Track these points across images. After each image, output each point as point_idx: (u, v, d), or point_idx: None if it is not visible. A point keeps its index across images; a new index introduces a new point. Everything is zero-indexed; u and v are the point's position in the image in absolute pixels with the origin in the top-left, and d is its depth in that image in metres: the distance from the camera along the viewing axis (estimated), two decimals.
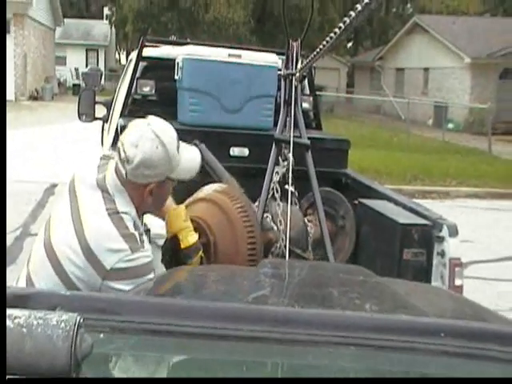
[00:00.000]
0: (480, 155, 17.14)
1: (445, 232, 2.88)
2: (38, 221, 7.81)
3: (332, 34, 2.11)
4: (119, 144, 2.09)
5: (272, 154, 3.12)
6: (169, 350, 1.14)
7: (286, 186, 3.20)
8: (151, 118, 2.14)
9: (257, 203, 3.25)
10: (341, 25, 1.83)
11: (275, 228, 3.01)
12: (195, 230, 2.49)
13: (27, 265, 2.18)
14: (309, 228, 3.37)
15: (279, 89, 4.16)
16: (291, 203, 3.26)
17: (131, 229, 2.05)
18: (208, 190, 2.83)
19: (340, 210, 3.57)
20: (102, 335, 1.05)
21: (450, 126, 23.82)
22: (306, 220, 3.44)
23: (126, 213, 2.06)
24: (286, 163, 3.16)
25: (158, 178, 2.11)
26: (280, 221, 3.04)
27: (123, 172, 2.07)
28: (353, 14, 1.73)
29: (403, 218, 3.03)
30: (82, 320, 0.81)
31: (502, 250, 8.01)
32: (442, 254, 2.87)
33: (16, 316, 0.80)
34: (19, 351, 0.78)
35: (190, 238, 2.35)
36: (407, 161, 14.42)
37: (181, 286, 1.81)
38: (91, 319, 1.03)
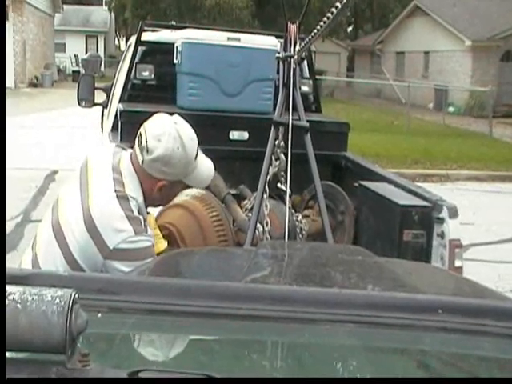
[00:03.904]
0: (481, 138, 17.12)
1: (445, 213, 2.88)
2: (38, 207, 7.82)
3: (329, 14, 2.10)
4: (142, 130, 2.12)
5: (270, 137, 3.11)
6: (166, 329, 1.14)
7: (279, 185, 3.19)
8: (178, 118, 2.17)
9: (252, 199, 3.24)
10: (337, 4, 1.82)
11: (260, 229, 2.98)
12: (166, 237, 2.51)
13: (32, 248, 2.20)
14: (302, 225, 3.36)
15: (279, 72, 4.16)
16: (282, 202, 3.26)
17: (136, 213, 2.08)
18: (186, 195, 2.83)
19: (340, 205, 3.56)
20: (99, 315, 1.06)
21: (451, 109, 23.76)
22: (299, 217, 3.43)
23: (133, 197, 2.10)
24: (278, 163, 3.14)
25: (172, 177, 2.15)
26: (267, 222, 3.02)
27: (140, 159, 2.11)
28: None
29: (403, 199, 3.03)
30: (77, 295, 0.81)
31: (502, 232, 8.02)
32: (442, 235, 2.87)
33: (10, 292, 0.80)
34: (14, 327, 0.77)
35: (160, 245, 2.33)
36: (408, 144, 14.40)
37: (179, 267, 1.82)
38: (89, 299, 1.03)
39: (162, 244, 2.33)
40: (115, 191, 2.08)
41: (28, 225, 7.05)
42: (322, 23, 2.28)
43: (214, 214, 2.77)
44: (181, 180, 2.20)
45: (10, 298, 0.79)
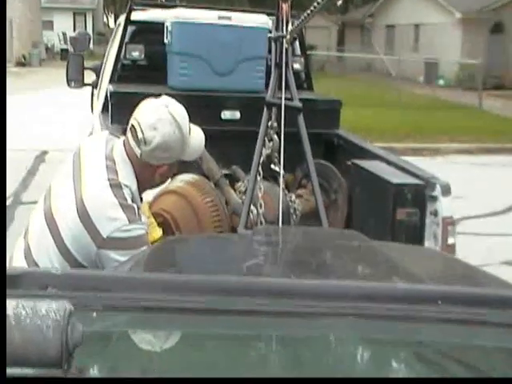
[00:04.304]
0: (471, 110, 17.11)
1: (438, 191, 2.89)
2: (29, 189, 7.79)
3: None
4: (134, 123, 2.10)
5: (263, 118, 3.10)
6: (162, 326, 1.13)
7: (273, 166, 3.19)
8: (168, 100, 2.16)
9: (246, 181, 3.23)
10: None
11: (255, 211, 2.98)
12: (161, 224, 2.49)
13: (24, 237, 2.18)
14: (296, 205, 3.37)
15: (270, 51, 4.14)
16: (276, 183, 3.26)
17: (129, 201, 2.06)
18: (180, 181, 2.82)
19: (333, 183, 3.56)
20: (94, 314, 1.05)
21: (441, 82, 23.72)
22: (292, 197, 3.43)
23: (126, 186, 2.08)
24: (271, 144, 3.14)
25: (171, 160, 2.15)
26: (260, 204, 3.02)
27: (138, 152, 2.09)
28: None
29: (396, 177, 3.04)
30: (72, 308, 0.78)
31: (493, 204, 8.05)
32: (435, 213, 2.89)
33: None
34: (8, 344, 0.74)
35: (155, 233, 2.32)
36: (398, 118, 14.39)
37: (175, 256, 1.80)
38: (83, 297, 1.02)
39: (157, 232, 2.32)
40: (108, 179, 2.06)
41: (18, 207, 7.02)
42: (315, 4, 2.27)
43: (208, 199, 2.77)
44: (179, 158, 2.20)
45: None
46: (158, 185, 2.30)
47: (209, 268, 1.58)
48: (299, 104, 3.11)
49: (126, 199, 2.05)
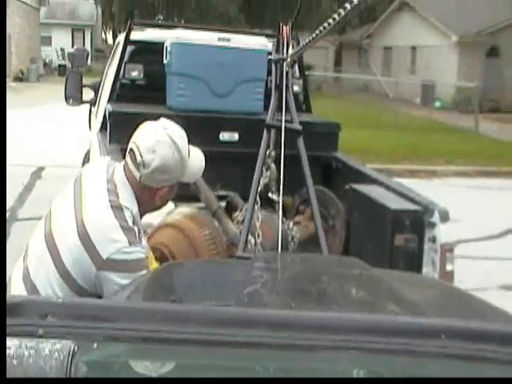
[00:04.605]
0: (467, 133, 17.19)
1: (436, 218, 2.89)
2: (25, 205, 7.76)
3: (326, 24, 2.08)
4: (133, 147, 2.09)
5: (263, 140, 3.09)
6: (163, 357, 1.12)
7: (270, 195, 3.18)
8: (166, 122, 2.16)
9: (243, 210, 3.22)
10: (335, 16, 1.81)
11: (253, 241, 2.97)
12: (159, 258, 2.49)
13: (23, 259, 2.17)
14: (294, 232, 3.35)
15: (269, 73, 4.14)
16: (273, 209, 3.25)
17: (130, 223, 2.06)
18: (178, 214, 2.82)
19: (331, 209, 3.55)
20: (94, 344, 1.03)
21: (438, 104, 23.84)
22: (290, 224, 3.41)
23: (127, 208, 2.08)
24: (268, 173, 3.12)
25: (171, 182, 2.15)
26: (258, 234, 3.00)
27: (137, 175, 2.08)
28: (348, 6, 1.71)
29: (395, 203, 3.03)
30: (76, 348, 0.76)
31: (489, 228, 8.05)
32: (433, 239, 2.88)
33: (6, 346, 0.76)
34: None
35: (152, 267, 2.29)
36: (395, 140, 14.43)
37: (174, 283, 1.79)
38: (83, 327, 1.01)
39: (155, 266, 2.29)
40: (109, 201, 2.06)
41: (14, 223, 6.99)
42: (321, 28, 2.26)
43: (206, 232, 2.76)
44: (179, 180, 2.19)
45: (6, 353, 0.75)
46: (159, 207, 2.28)
47: (208, 295, 1.57)
48: (299, 127, 3.10)
49: (126, 221, 2.04)
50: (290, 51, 3.07)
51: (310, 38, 2.45)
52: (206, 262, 2.43)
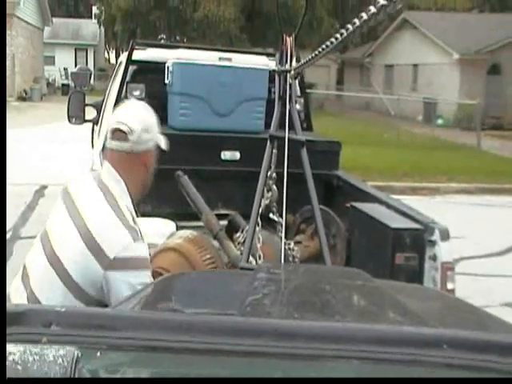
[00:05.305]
0: (469, 151, 17.21)
1: (436, 236, 2.88)
2: (27, 223, 7.77)
3: (333, 39, 2.09)
4: (116, 126, 2.23)
5: (266, 152, 3.07)
6: (167, 366, 1.11)
7: (271, 215, 3.18)
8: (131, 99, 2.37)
9: (245, 232, 3.21)
10: (349, 26, 1.82)
11: (253, 263, 2.97)
12: None
13: (22, 280, 2.17)
14: (294, 252, 3.35)
15: (270, 92, 4.16)
16: (275, 231, 3.25)
17: (131, 222, 2.12)
18: (178, 237, 2.83)
19: (332, 228, 3.54)
20: (98, 354, 1.03)
21: (440, 121, 23.88)
22: (291, 244, 3.41)
23: (126, 207, 2.15)
24: (270, 194, 3.13)
25: (153, 142, 2.28)
26: (259, 255, 3.00)
27: (125, 147, 2.21)
28: (357, 21, 1.72)
29: (395, 222, 3.03)
30: (80, 355, 0.78)
31: (491, 245, 8.04)
32: (434, 258, 2.88)
33: (10, 352, 0.76)
34: None
35: None
36: (397, 157, 14.46)
37: (177, 293, 1.80)
38: (87, 336, 1.01)
39: None
40: (107, 201, 2.13)
41: (17, 242, 7.00)
42: (324, 46, 2.26)
43: (208, 256, 2.75)
44: (158, 144, 2.31)
45: (10, 358, 0.76)
46: (147, 183, 2.35)
47: (211, 305, 1.57)
48: (303, 137, 3.10)
49: (127, 220, 2.11)
50: (294, 63, 3.06)
51: (313, 55, 2.46)
52: (208, 272, 2.43)
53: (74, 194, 2.21)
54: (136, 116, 2.26)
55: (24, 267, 2.20)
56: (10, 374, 0.74)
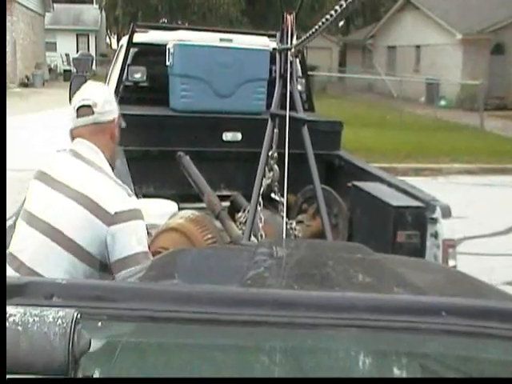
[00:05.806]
0: (472, 131, 17.14)
1: (438, 213, 2.89)
2: None
3: (332, 12, 2.08)
4: (83, 103, 2.34)
5: (268, 130, 3.07)
6: (167, 336, 1.13)
7: (273, 195, 3.19)
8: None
9: (246, 211, 3.22)
10: (342, 2, 1.81)
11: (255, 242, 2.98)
12: None
13: (9, 265, 2.20)
14: (296, 232, 3.36)
15: (271, 72, 4.16)
16: (277, 211, 3.25)
17: (119, 181, 2.26)
18: (180, 217, 2.84)
19: (334, 208, 3.55)
20: (99, 323, 1.05)
21: (443, 102, 23.79)
22: (293, 224, 3.41)
23: (109, 168, 2.29)
24: (271, 174, 3.13)
25: (116, 113, 2.41)
26: (261, 235, 3.01)
27: (92, 119, 2.32)
28: None
29: (396, 200, 3.04)
30: (79, 316, 0.79)
31: (494, 224, 8.04)
32: (436, 235, 2.89)
33: (11, 314, 0.78)
34: (15, 350, 0.75)
35: None
36: (400, 139, 14.41)
37: (179, 267, 1.81)
38: (88, 307, 1.03)
39: None
40: (94, 169, 2.23)
41: None
42: (324, 20, 2.26)
43: (209, 235, 2.76)
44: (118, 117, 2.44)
45: (11, 319, 0.77)
46: (115, 156, 2.45)
47: (212, 278, 1.59)
48: (304, 115, 3.09)
49: (117, 180, 2.25)
50: (295, 41, 3.04)
51: (314, 30, 2.45)
52: (209, 248, 2.45)
53: (54, 174, 2.27)
54: (96, 91, 2.41)
55: (11, 255, 2.24)
56: (10, 334, 0.76)
